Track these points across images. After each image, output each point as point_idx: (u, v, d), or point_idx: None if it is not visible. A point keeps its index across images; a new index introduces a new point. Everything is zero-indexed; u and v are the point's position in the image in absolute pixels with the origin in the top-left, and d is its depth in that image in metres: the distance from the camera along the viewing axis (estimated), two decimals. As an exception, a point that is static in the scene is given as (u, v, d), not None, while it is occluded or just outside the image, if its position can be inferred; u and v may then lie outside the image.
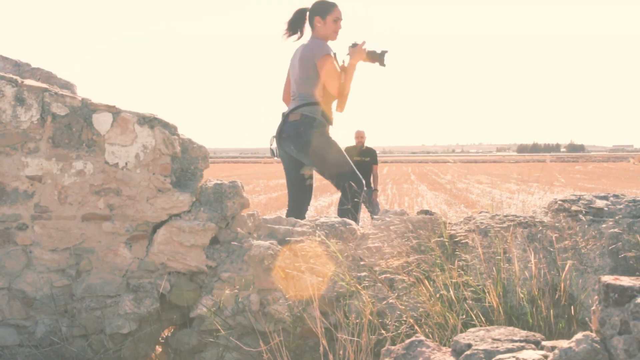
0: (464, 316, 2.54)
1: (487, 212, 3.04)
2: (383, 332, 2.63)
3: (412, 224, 3.01)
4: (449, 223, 3.05)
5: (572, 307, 2.56)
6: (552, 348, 1.79)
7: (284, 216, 3.34)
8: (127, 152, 3.14)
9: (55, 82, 3.44)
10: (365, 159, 8.76)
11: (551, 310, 2.49)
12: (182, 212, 3.15)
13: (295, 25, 4.38)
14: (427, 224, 3.01)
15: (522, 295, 2.61)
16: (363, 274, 2.96)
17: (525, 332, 2.02)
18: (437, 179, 30.67)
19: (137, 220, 3.15)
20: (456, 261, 2.83)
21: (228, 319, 3.05)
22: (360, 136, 8.91)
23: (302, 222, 3.28)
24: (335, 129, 4.38)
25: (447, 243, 2.93)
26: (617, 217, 2.80)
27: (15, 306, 3.13)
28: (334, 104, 4.30)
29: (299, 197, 4.41)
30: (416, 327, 2.55)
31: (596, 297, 1.81)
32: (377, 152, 9.47)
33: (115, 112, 3.15)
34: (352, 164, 4.27)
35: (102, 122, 3.14)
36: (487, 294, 2.52)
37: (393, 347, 2.12)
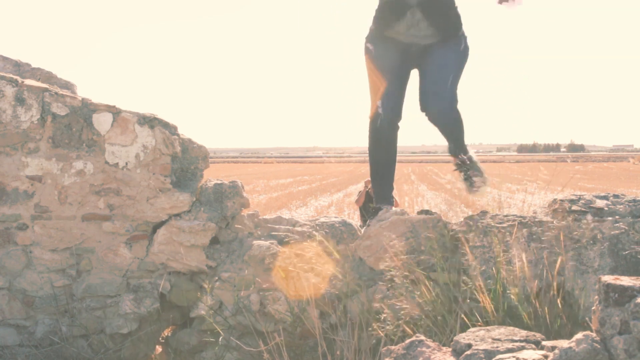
0: (464, 316, 2.54)
1: (487, 212, 3.04)
2: (382, 332, 2.63)
3: (412, 224, 3.01)
4: (449, 223, 3.05)
5: (572, 307, 2.56)
6: (552, 348, 1.79)
7: (284, 216, 3.34)
8: (127, 152, 3.14)
9: (55, 82, 3.44)
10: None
11: (551, 310, 2.49)
12: (182, 212, 3.15)
13: None
14: (427, 224, 3.01)
15: (522, 295, 2.62)
16: (363, 274, 2.96)
17: (526, 332, 2.02)
18: (437, 179, 30.67)
19: (137, 220, 3.15)
20: (456, 261, 2.83)
21: (228, 319, 3.05)
22: None
23: (302, 222, 3.28)
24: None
25: (447, 243, 2.93)
26: (617, 217, 2.80)
27: (16, 306, 3.13)
28: None
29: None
30: (415, 328, 2.55)
31: (596, 297, 1.81)
32: None
33: (115, 112, 3.15)
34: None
35: (102, 122, 3.14)
36: (479, 294, 2.52)
37: (393, 347, 2.12)
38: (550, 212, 2.95)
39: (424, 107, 3.21)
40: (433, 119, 3.22)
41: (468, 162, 3.28)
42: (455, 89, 3.19)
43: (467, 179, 3.27)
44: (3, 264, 3.11)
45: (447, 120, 3.22)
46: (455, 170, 3.35)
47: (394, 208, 3.24)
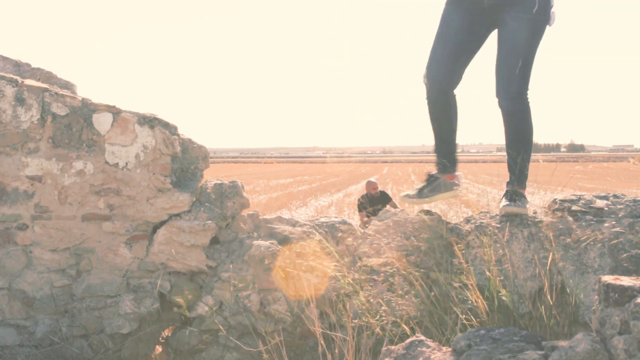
0: (462, 316, 2.54)
1: (487, 212, 3.04)
2: (382, 332, 2.63)
3: (412, 224, 3.01)
4: (449, 223, 3.05)
5: (571, 307, 2.56)
6: (552, 348, 1.79)
7: (284, 216, 3.34)
8: (127, 152, 3.14)
9: (55, 82, 3.44)
10: (378, 208, 8.64)
11: (551, 310, 2.49)
12: (182, 212, 3.15)
13: None
14: (427, 224, 3.01)
15: (521, 295, 2.62)
16: (363, 274, 2.96)
17: (526, 332, 2.02)
18: (437, 179, 30.59)
19: (137, 220, 3.15)
20: (456, 261, 2.83)
21: (228, 319, 3.05)
22: (373, 187, 8.84)
23: (302, 222, 3.28)
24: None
25: (446, 243, 2.93)
26: (617, 217, 2.80)
27: (16, 306, 3.13)
28: None
29: None
30: (414, 328, 2.55)
31: (596, 297, 1.81)
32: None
33: (115, 112, 3.15)
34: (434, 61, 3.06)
35: (102, 122, 3.14)
36: (472, 295, 2.52)
37: (393, 347, 2.12)
38: (550, 212, 2.95)
39: (497, 94, 2.98)
40: (501, 110, 3.00)
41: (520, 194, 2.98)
42: (525, 75, 2.87)
43: (510, 200, 2.95)
44: (3, 264, 3.11)
45: (512, 114, 2.97)
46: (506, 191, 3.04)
47: (392, 209, 3.24)
